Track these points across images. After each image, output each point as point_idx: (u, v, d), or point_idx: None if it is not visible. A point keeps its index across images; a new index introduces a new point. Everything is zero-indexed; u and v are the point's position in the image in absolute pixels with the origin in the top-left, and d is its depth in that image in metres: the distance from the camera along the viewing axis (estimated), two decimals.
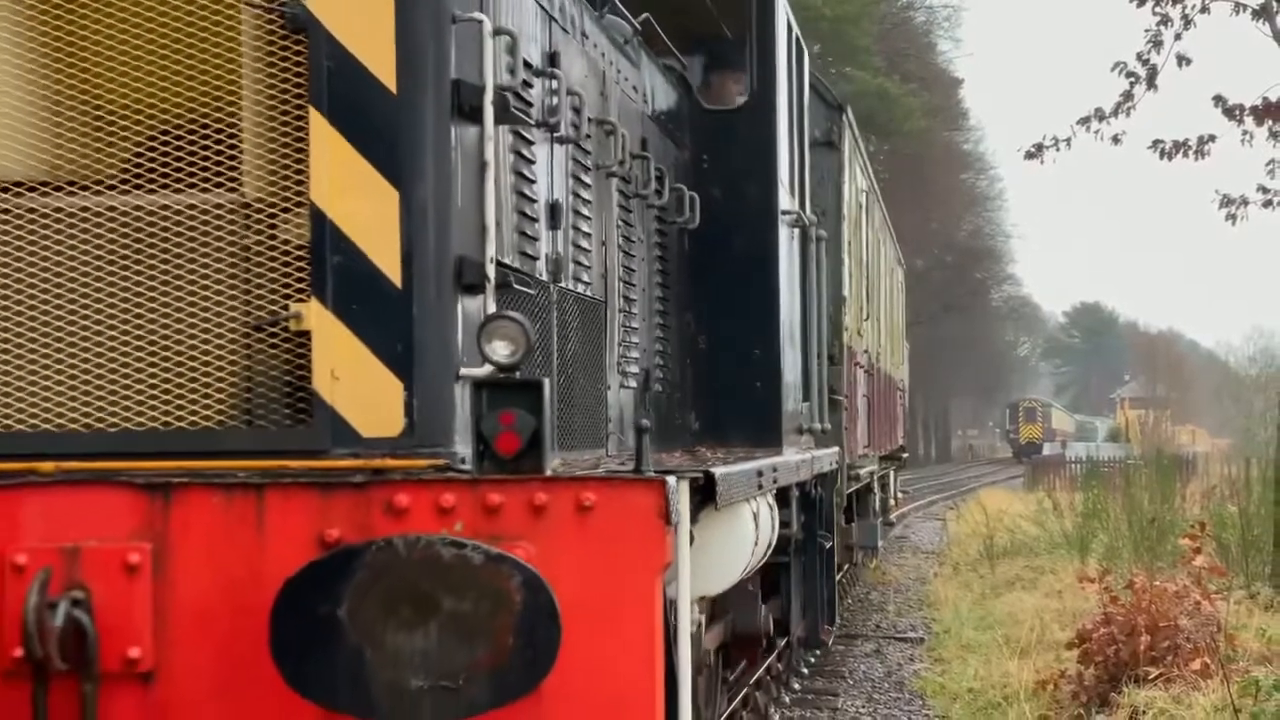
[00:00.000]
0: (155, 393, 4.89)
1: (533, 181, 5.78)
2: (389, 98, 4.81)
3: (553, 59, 6.03)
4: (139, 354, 4.90)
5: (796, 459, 8.52)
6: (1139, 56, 14.87)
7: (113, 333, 4.91)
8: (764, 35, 9.10)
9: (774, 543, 7.35)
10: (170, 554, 4.59)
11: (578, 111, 6.41)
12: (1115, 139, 15.11)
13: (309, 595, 4.25)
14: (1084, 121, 15.14)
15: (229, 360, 4.89)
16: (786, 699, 10.64)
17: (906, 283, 28.20)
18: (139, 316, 4.90)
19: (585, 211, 6.60)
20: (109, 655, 4.52)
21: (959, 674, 12.60)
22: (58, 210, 4.90)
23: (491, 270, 5.03)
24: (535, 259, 5.79)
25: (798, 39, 10.20)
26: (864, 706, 11.50)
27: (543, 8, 6.01)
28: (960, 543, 25.77)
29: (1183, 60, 14.81)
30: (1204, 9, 14.70)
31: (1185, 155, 15.10)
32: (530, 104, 5.67)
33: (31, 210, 4.90)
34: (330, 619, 4.22)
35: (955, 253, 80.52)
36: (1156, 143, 15.08)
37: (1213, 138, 15.01)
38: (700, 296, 8.76)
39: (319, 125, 4.80)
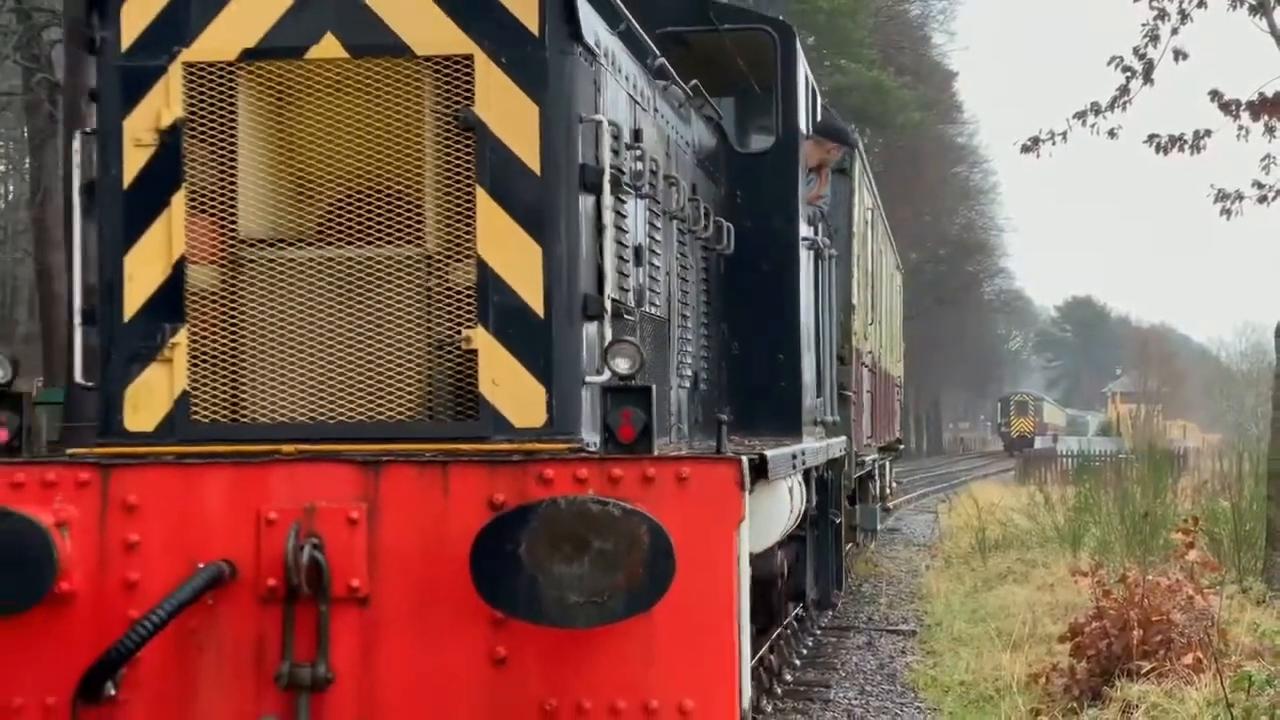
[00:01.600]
0: (364, 395, 6.49)
1: (626, 232, 7.41)
2: (534, 178, 6.43)
3: (637, 135, 7.61)
4: (352, 366, 6.50)
5: (816, 446, 9.97)
6: (1136, 51, 14.67)
7: (333, 350, 6.50)
8: (787, 89, 10.64)
9: (802, 513, 8.96)
10: (380, 512, 6.11)
11: (654, 173, 7.98)
12: (1111, 133, 14.87)
13: (499, 539, 5.81)
14: (1080, 116, 14.96)
15: (417, 371, 6.48)
16: (779, 690, 10.82)
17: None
18: (352, 338, 6.50)
19: (656, 249, 8.18)
20: (337, 584, 6.06)
21: (951, 667, 12.42)
22: (290, 260, 6.54)
23: (608, 304, 6.69)
24: (627, 291, 7.39)
25: (813, 87, 11.85)
26: (856, 699, 11.37)
27: (631, 96, 7.65)
28: (952, 535, 24.91)
29: (1179, 55, 14.55)
30: (1201, 3, 14.49)
31: (1181, 150, 14.87)
32: (624, 172, 7.33)
33: (271, 260, 6.55)
34: (514, 555, 5.78)
35: (948, 246, 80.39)
36: (1152, 137, 14.95)
37: (1208, 133, 14.76)
38: (734, 310, 10.24)
39: (483, 198, 6.43)
